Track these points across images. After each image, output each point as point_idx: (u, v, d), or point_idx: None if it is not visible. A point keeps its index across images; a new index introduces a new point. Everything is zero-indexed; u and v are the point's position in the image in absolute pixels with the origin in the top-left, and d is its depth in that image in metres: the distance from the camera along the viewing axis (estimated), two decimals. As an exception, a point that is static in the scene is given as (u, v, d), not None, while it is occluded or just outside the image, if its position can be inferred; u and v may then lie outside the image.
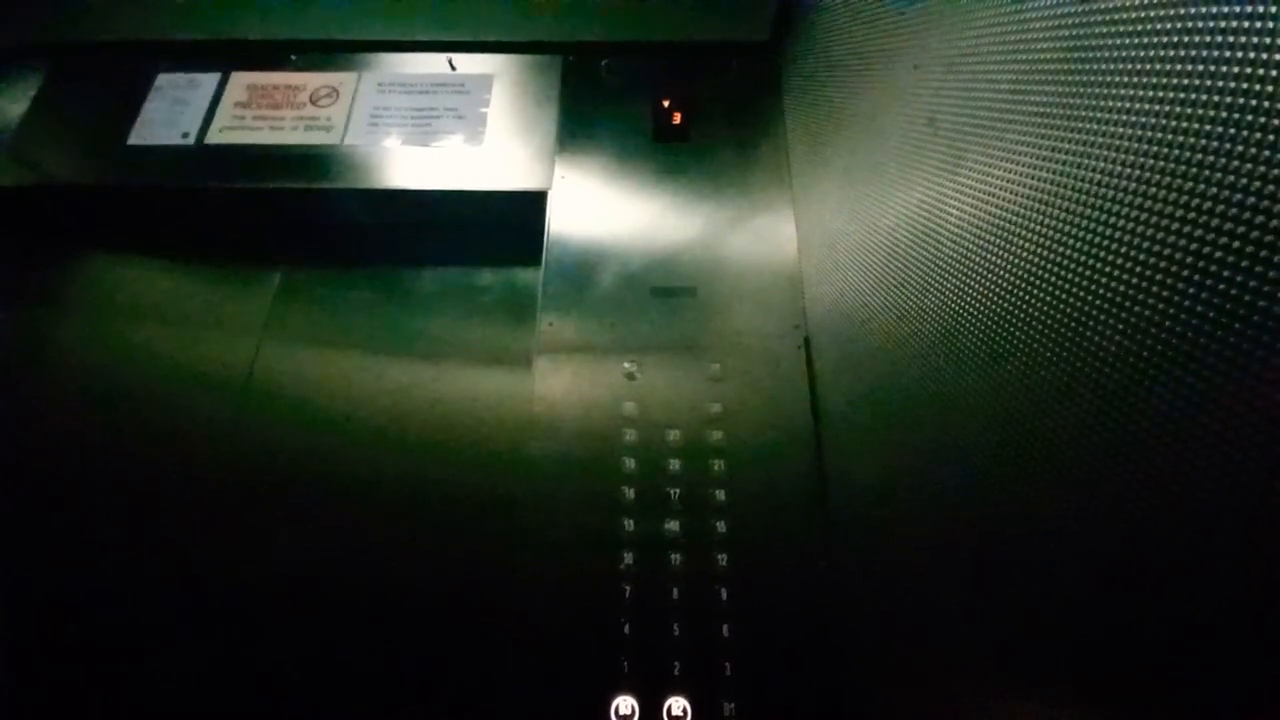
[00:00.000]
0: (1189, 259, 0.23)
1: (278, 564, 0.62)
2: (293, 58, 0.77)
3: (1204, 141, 0.22)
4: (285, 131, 0.73)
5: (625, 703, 0.49)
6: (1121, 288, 0.26)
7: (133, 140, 0.73)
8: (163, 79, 0.77)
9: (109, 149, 0.73)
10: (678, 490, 0.56)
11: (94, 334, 0.73)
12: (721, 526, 0.55)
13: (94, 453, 0.67)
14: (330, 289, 0.75)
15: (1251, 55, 0.21)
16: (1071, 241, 0.29)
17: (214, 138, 0.73)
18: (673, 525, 0.55)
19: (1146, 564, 0.24)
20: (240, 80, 0.76)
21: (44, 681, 0.58)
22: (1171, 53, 0.24)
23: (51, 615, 0.61)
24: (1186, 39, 0.23)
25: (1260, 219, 0.20)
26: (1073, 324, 0.28)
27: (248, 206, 0.75)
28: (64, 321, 0.74)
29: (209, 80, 0.76)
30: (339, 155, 0.72)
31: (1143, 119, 0.25)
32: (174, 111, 0.75)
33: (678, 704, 0.49)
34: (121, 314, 0.74)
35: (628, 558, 0.54)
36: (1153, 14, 0.25)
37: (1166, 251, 0.24)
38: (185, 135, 0.73)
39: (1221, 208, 0.21)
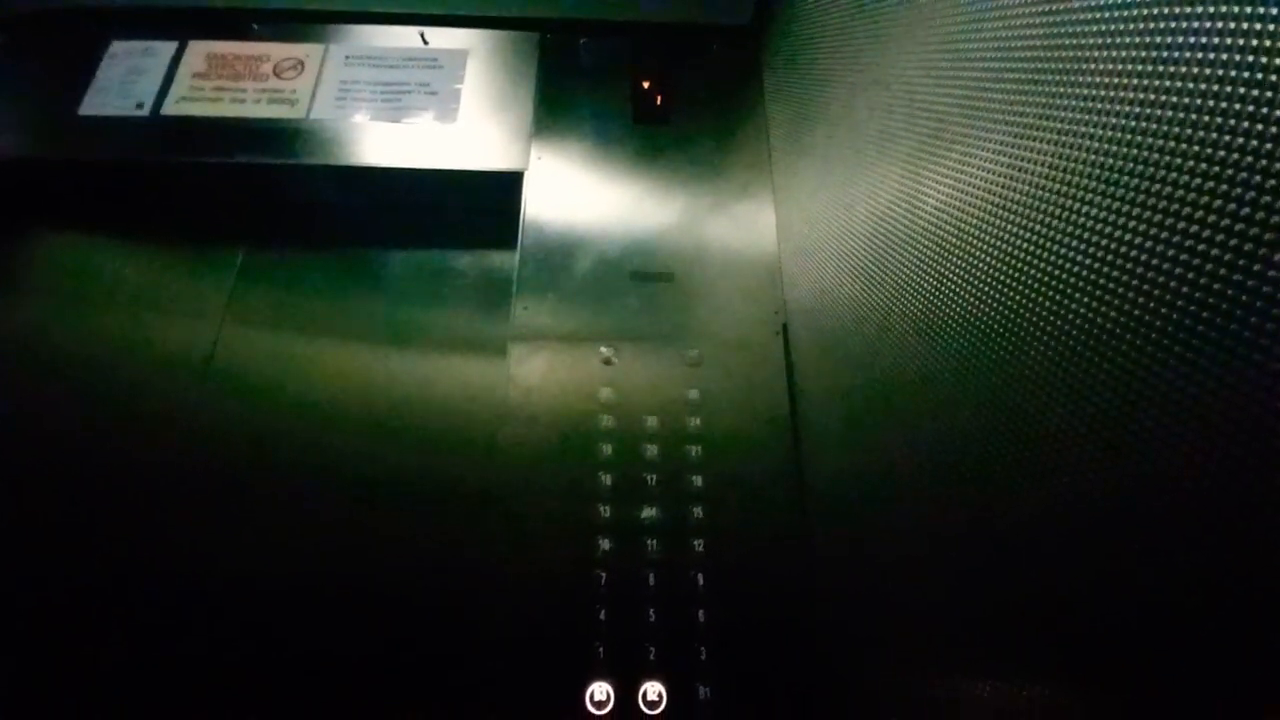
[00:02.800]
0: (1173, 247, 0.22)
1: (241, 552, 0.60)
2: (254, 27, 0.74)
3: (1189, 125, 0.22)
4: (247, 104, 0.70)
5: (600, 689, 0.49)
6: (1104, 274, 0.25)
7: (84, 111, 0.70)
8: (116, 47, 0.73)
9: (59, 120, 0.69)
10: (654, 476, 0.56)
11: (45, 315, 0.69)
12: (698, 512, 0.54)
13: (47, 438, 0.64)
14: (294, 270, 0.73)
15: (1241, 40, 0.20)
16: (1052, 226, 0.28)
17: (170, 109, 0.69)
18: (649, 511, 0.54)
19: (1132, 554, 0.24)
20: (199, 49, 0.73)
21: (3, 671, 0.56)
22: (1155, 39, 0.23)
23: (6, 603, 0.58)
24: (1171, 23, 0.23)
25: (1248, 207, 0.20)
26: (1053, 311, 0.28)
27: (207, 182, 0.72)
28: (12, 302, 0.70)
29: (165, 49, 0.73)
30: (304, 130, 0.69)
31: (1125, 103, 0.25)
32: (128, 81, 0.71)
33: (653, 689, 0.49)
34: (74, 294, 0.71)
35: (604, 544, 0.53)
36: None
37: (1149, 243, 0.23)
38: (140, 106, 0.69)
39: (1208, 197, 0.21)
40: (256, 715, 0.55)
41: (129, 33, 0.74)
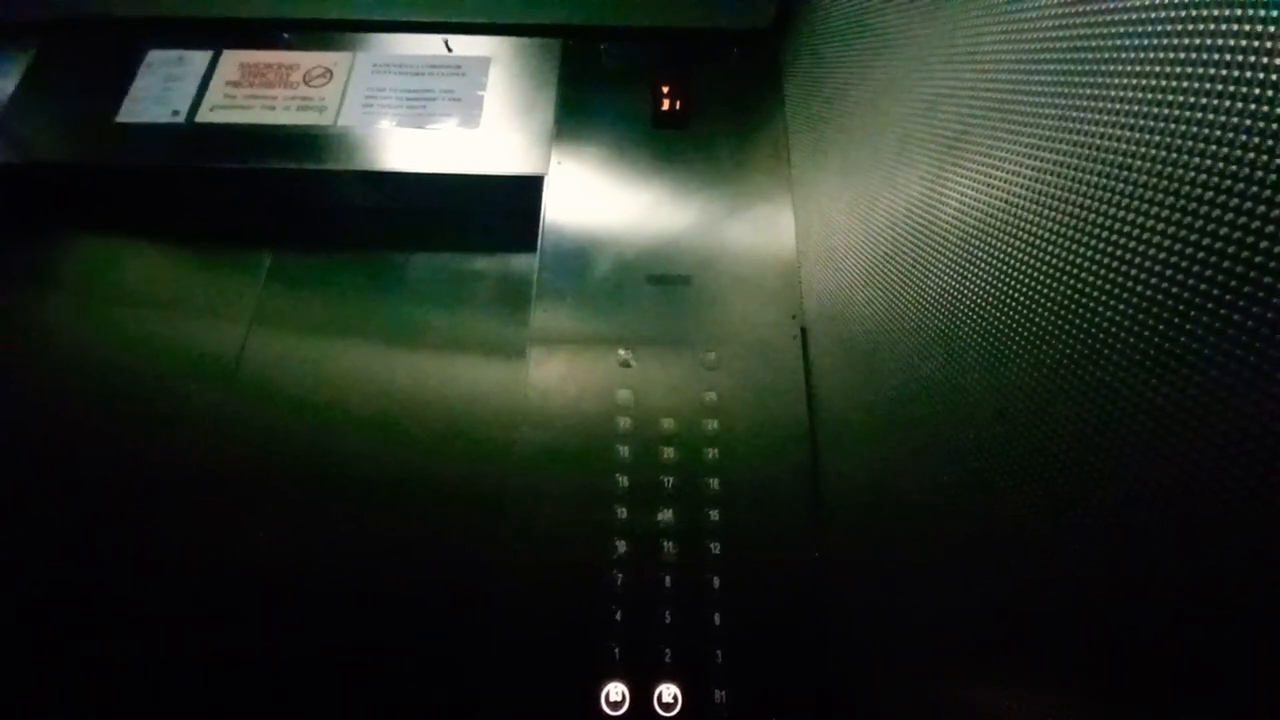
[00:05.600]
0: (1200, 251, 0.22)
1: (265, 553, 0.61)
2: (285, 36, 0.76)
3: (1211, 128, 0.22)
4: (278, 111, 0.72)
5: (616, 689, 0.49)
6: (1125, 282, 0.25)
7: (121, 118, 0.72)
8: (153, 56, 0.75)
9: (97, 127, 0.72)
10: (671, 479, 0.56)
11: (78, 317, 0.72)
12: (714, 515, 0.55)
13: (77, 438, 0.66)
14: (321, 273, 0.74)
15: (1257, 43, 0.20)
16: (1075, 230, 0.28)
17: (205, 116, 0.72)
18: (665, 514, 0.55)
19: (1148, 564, 0.24)
20: (232, 58, 0.75)
21: (19, 667, 0.57)
22: (1179, 40, 0.23)
23: (28, 601, 0.60)
24: (1193, 25, 0.23)
25: (1266, 207, 0.20)
26: (1077, 317, 0.28)
27: (238, 187, 0.74)
28: (48, 304, 0.72)
29: (200, 58, 0.75)
30: (332, 136, 0.71)
31: (1148, 106, 0.24)
32: (164, 89, 0.73)
33: (668, 691, 0.49)
34: (107, 297, 0.73)
35: (620, 546, 0.53)
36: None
37: (1171, 253, 0.23)
38: (175, 113, 0.72)
39: (1235, 200, 0.21)
40: (274, 713, 0.56)
41: (165, 42, 0.76)
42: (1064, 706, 0.28)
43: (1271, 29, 0.20)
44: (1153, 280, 0.24)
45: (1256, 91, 0.20)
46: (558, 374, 0.60)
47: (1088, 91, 0.28)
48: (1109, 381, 0.26)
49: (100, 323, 0.71)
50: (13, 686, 0.57)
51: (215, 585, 0.60)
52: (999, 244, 0.33)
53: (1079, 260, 0.28)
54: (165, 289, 0.73)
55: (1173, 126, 0.23)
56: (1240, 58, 0.21)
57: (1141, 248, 0.25)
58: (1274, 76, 0.20)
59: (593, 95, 0.74)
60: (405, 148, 0.70)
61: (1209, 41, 0.22)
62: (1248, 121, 0.20)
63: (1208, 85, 0.22)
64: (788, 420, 0.58)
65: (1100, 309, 0.26)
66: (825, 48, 0.62)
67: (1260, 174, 0.20)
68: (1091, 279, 0.27)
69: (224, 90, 0.73)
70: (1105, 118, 0.27)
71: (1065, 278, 0.29)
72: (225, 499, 0.63)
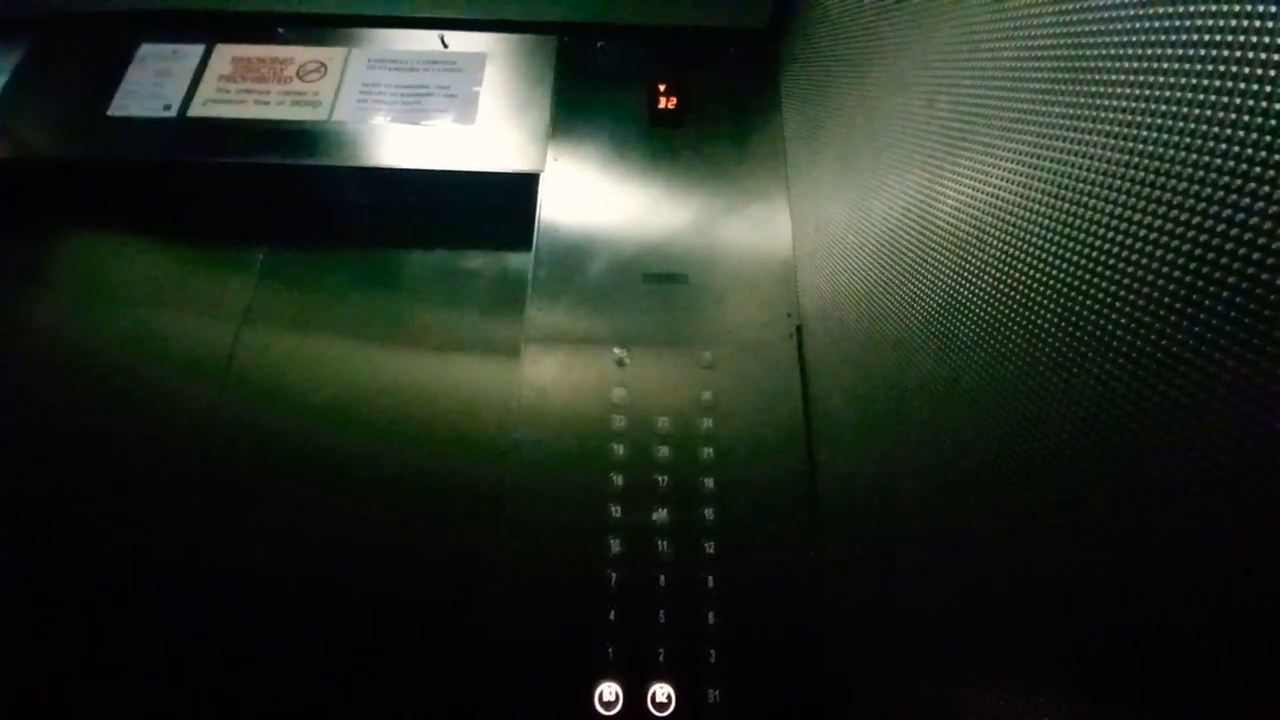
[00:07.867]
0: (1195, 250, 0.22)
1: (257, 551, 0.61)
2: (279, 30, 0.75)
3: (1209, 127, 0.22)
4: (271, 106, 0.71)
5: (609, 689, 0.49)
6: (1124, 278, 0.25)
7: (113, 111, 0.71)
8: (145, 49, 0.75)
9: (88, 120, 0.71)
10: (666, 478, 0.56)
11: (69, 313, 0.71)
12: (709, 514, 0.54)
13: (66, 435, 0.65)
14: (314, 270, 0.74)
15: (1254, 40, 0.20)
16: (1071, 232, 0.28)
17: (197, 110, 0.71)
18: (660, 513, 0.54)
19: (1144, 565, 0.24)
20: (225, 52, 0.74)
21: (11, 664, 0.57)
22: (1176, 36, 0.23)
23: (21, 599, 0.59)
24: (1190, 22, 0.23)
25: (1264, 204, 0.20)
26: (1072, 316, 0.28)
27: (231, 182, 0.73)
28: (37, 300, 0.72)
29: (193, 52, 0.74)
30: (326, 132, 0.70)
31: (1145, 103, 0.24)
32: (157, 83, 0.73)
33: (662, 691, 0.49)
34: (98, 293, 0.72)
35: (614, 545, 0.53)
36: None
37: (1173, 242, 0.23)
38: (167, 107, 0.71)
39: (1233, 197, 0.21)
40: (270, 713, 0.56)
41: (158, 35, 0.76)
42: (1062, 706, 0.28)
43: (1270, 26, 0.20)
44: (1150, 279, 0.24)
45: (1255, 88, 0.20)
46: (553, 373, 0.60)
47: (1085, 90, 0.28)
48: (1107, 380, 0.26)
49: (91, 319, 0.71)
50: (5, 683, 0.56)
51: (206, 585, 0.59)
52: (996, 243, 0.33)
53: (1076, 259, 0.28)
54: (157, 285, 0.73)
55: (1170, 124, 0.23)
56: (1239, 53, 0.21)
57: (1139, 245, 0.24)
58: (1272, 73, 0.20)
59: (589, 93, 0.73)
60: (400, 144, 0.70)
61: (1206, 38, 0.22)
62: (1245, 118, 0.20)
63: (1204, 84, 0.22)
64: (783, 419, 0.58)
65: (1098, 308, 0.26)
66: (822, 47, 0.62)
67: (1259, 170, 0.20)
68: (1089, 278, 0.27)
69: (217, 84, 0.72)
70: (1102, 116, 0.26)
71: (1063, 276, 0.28)
72: (216, 498, 0.62)
